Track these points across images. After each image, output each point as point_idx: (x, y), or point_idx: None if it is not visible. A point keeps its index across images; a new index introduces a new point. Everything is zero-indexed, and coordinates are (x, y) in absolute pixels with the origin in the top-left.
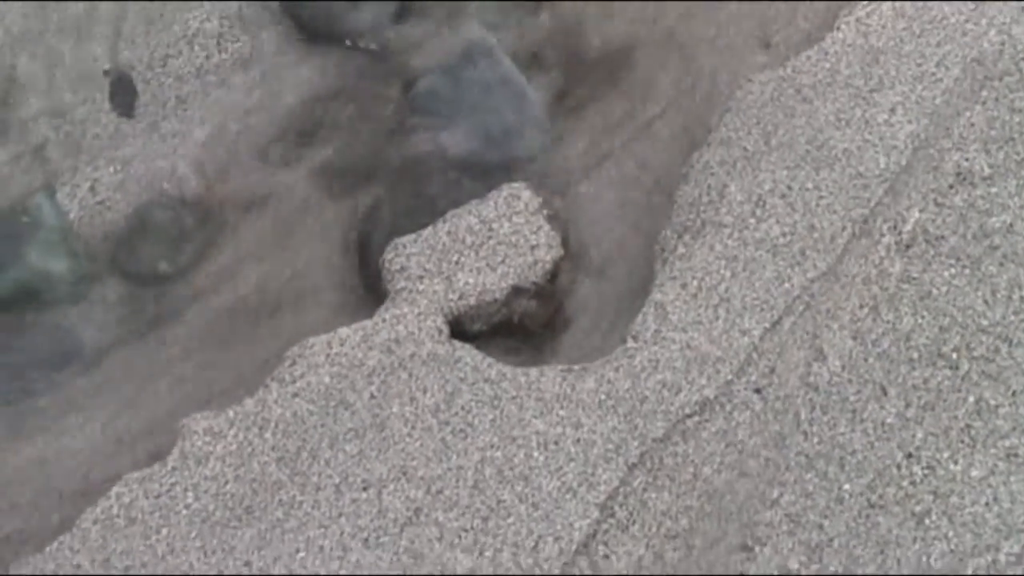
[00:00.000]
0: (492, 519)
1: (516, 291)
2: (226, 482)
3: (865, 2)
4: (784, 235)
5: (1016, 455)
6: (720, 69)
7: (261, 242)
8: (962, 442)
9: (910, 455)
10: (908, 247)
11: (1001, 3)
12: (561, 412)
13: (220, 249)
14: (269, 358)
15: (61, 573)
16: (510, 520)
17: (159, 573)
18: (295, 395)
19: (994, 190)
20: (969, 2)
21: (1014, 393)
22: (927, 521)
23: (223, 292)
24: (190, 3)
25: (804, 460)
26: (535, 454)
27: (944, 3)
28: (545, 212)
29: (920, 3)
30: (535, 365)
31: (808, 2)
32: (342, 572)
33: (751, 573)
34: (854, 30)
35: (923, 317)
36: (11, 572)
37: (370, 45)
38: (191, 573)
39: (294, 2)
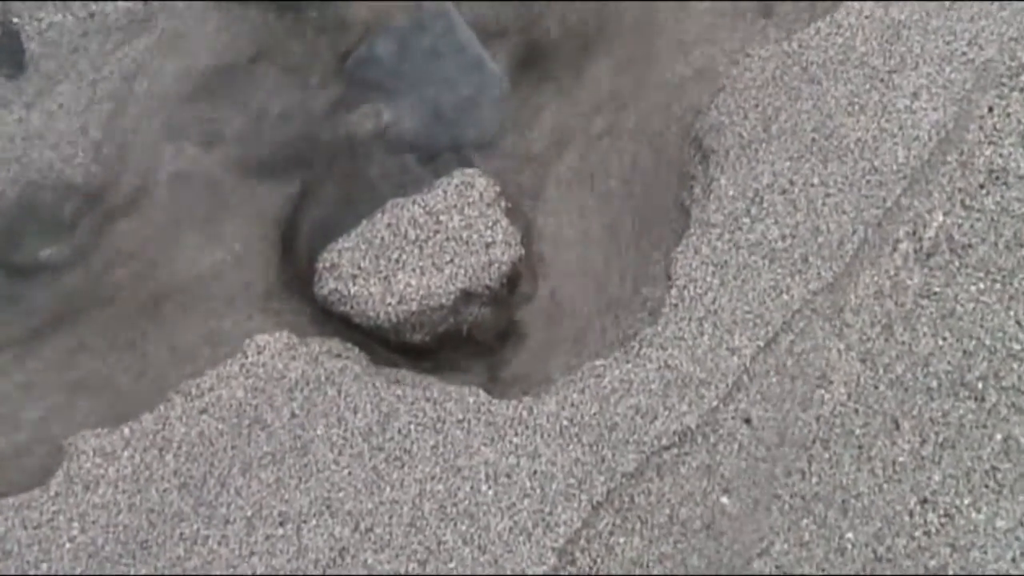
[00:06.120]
0: (431, 563)
1: (466, 296)
2: (119, 512)
3: None
4: (784, 239)
5: None
6: (713, 41)
7: (166, 230)
8: (986, 487)
9: (925, 500)
10: (929, 256)
11: None
12: (515, 440)
13: (117, 237)
14: (173, 367)
15: None
16: (452, 565)
17: None
18: (202, 411)
19: None
20: None
21: None
22: None
23: (120, 287)
24: None
25: (800, 503)
26: (483, 488)
27: None
28: (503, 204)
29: None
30: (486, 383)
31: None
32: None
33: None
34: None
35: (944, 339)
36: None
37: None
38: None
39: None
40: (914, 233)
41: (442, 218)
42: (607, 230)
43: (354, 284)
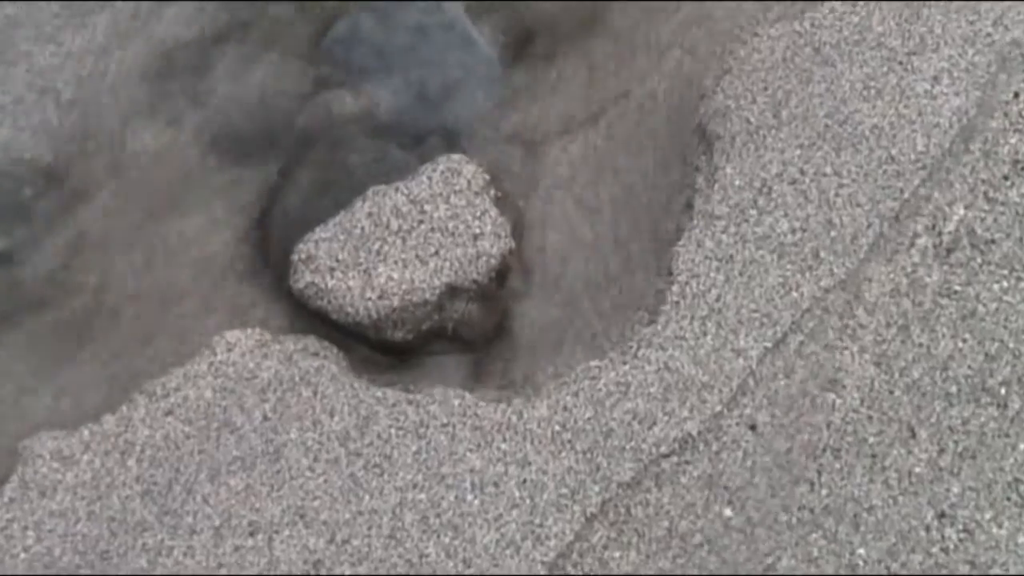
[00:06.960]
0: None
1: (452, 291)
2: (77, 520)
3: None
4: (793, 232)
5: None
6: (719, 19)
7: (131, 217)
8: (1008, 500)
9: (943, 514)
10: (949, 252)
11: None
12: (503, 446)
13: (79, 223)
14: (136, 365)
15: None
16: None
17: None
18: (168, 413)
19: None
20: None
21: None
22: None
23: (81, 277)
24: None
25: (809, 516)
26: (469, 497)
27: None
28: (492, 193)
29: None
30: (472, 385)
31: None
32: None
33: None
34: None
35: (965, 341)
36: None
37: None
38: None
39: None
40: (933, 227)
41: (427, 207)
42: (603, 221)
43: (332, 277)
